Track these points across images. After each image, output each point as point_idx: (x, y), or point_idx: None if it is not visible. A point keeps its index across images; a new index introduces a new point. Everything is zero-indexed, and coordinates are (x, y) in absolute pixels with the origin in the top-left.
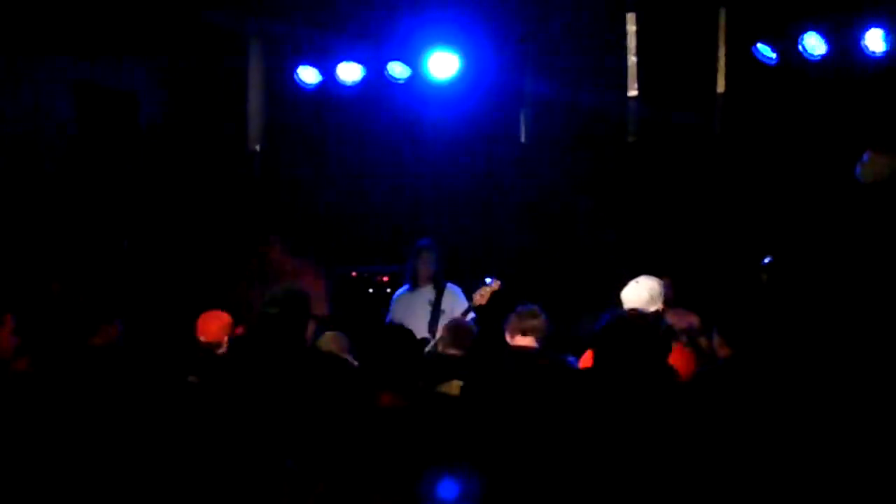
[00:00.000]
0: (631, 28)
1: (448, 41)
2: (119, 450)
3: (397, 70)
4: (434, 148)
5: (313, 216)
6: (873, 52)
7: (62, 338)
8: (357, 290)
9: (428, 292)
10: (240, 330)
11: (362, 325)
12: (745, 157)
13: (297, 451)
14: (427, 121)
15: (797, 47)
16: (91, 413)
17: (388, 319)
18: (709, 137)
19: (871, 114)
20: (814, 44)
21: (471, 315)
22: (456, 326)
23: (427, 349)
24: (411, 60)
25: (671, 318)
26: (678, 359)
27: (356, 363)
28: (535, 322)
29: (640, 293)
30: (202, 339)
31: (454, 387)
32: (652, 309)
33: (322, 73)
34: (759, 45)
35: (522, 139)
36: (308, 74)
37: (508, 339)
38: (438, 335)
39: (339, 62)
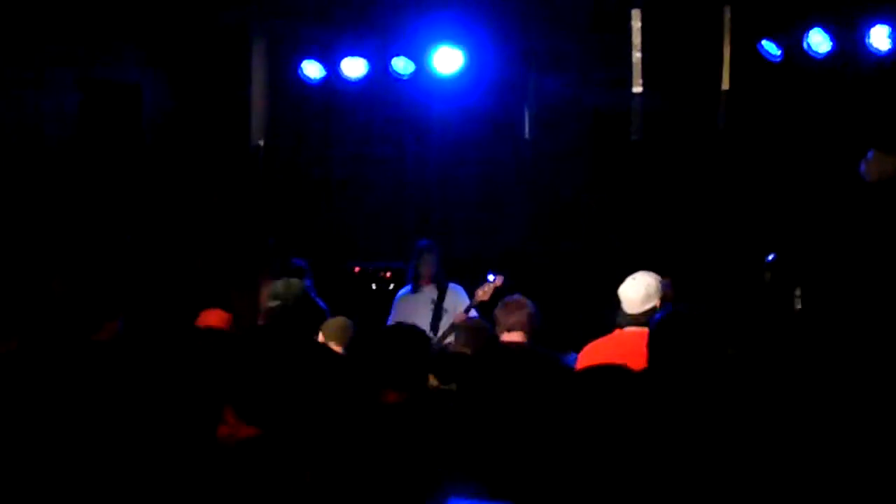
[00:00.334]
0: (636, 24)
1: (452, 37)
2: (120, 444)
3: (401, 65)
4: (438, 143)
5: (316, 211)
6: (878, 50)
7: (64, 334)
8: (360, 285)
9: (430, 292)
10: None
11: (365, 321)
12: (749, 155)
13: (297, 446)
14: (431, 116)
15: (802, 44)
16: (93, 408)
17: (390, 321)
18: (713, 134)
19: (875, 111)
20: (819, 41)
21: (473, 313)
22: (471, 327)
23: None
24: (415, 56)
25: None
26: None
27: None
28: (518, 316)
29: (638, 289)
30: None
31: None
32: (649, 305)
33: (326, 68)
34: (764, 42)
35: (526, 135)
36: (312, 69)
37: (498, 335)
38: (440, 333)
39: (343, 57)
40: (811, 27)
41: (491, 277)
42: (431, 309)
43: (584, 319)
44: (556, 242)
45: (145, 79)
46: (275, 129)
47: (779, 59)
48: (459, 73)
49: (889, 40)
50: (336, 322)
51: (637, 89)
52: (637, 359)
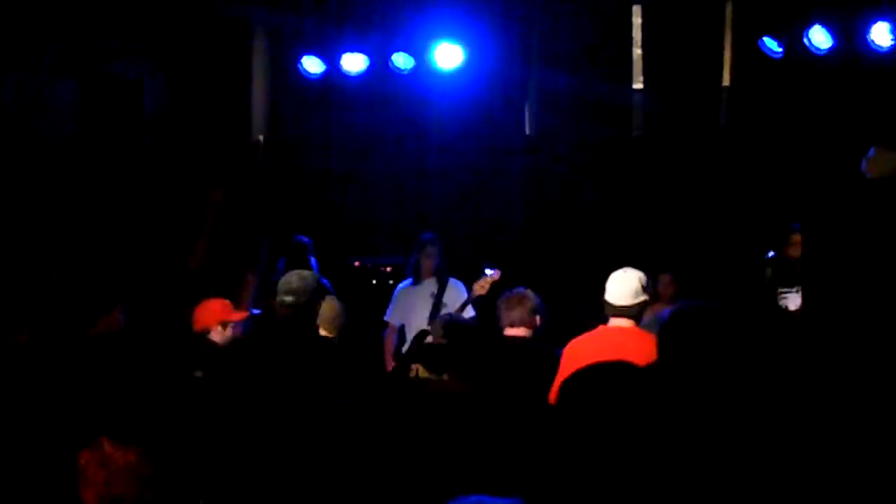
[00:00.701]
0: (636, 20)
1: (453, 32)
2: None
3: (401, 61)
4: (438, 139)
5: (317, 206)
6: (879, 46)
7: (62, 328)
8: (360, 280)
9: (430, 285)
10: (237, 316)
11: (364, 316)
12: (750, 151)
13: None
14: (431, 112)
15: (803, 41)
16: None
17: (389, 312)
18: (714, 131)
19: (876, 108)
20: (820, 38)
21: (470, 312)
22: (448, 323)
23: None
24: (416, 51)
25: None
26: None
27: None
28: (520, 311)
29: (629, 282)
30: (195, 326)
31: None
32: (639, 299)
33: (326, 63)
34: (765, 39)
35: (527, 131)
36: (312, 64)
37: (501, 329)
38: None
39: (343, 52)
40: (812, 24)
41: (489, 271)
42: (431, 302)
43: (584, 315)
44: (556, 238)
45: (146, 73)
46: (275, 124)
47: (780, 56)
48: (459, 68)
49: (890, 37)
50: (328, 308)
51: (638, 85)
52: (622, 355)
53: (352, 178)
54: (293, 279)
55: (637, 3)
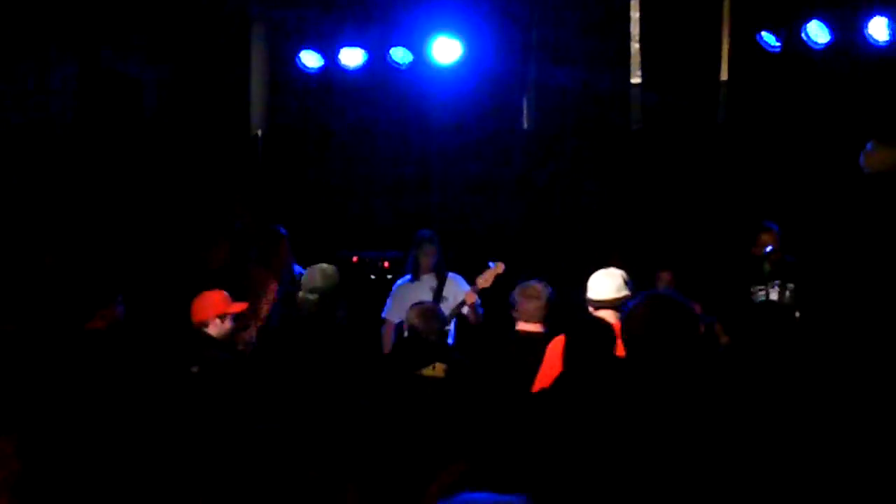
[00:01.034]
0: (634, 14)
1: (451, 26)
2: (120, 434)
3: (400, 55)
4: (436, 133)
5: (315, 201)
6: (877, 41)
7: (58, 323)
8: (358, 274)
9: (430, 280)
10: (236, 308)
11: (362, 310)
12: (748, 146)
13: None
14: (429, 106)
15: (801, 35)
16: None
17: (386, 309)
18: (712, 125)
19: (874, 103)
20: (817, 32)
21: (465, 309)
22: (425, 310)
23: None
24: (414, 46)
25: None
26: None
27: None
28: (535, 305)
29: (613, 278)
30: (193, 319)
31: (439, 369)
32: (623, 294)
33: (324, 57)
34: (763, 33)
35: (525, 125)
36: (310, 59)
37: (515, 322)
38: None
39: (341, 47)
40: (810, 18)
41: (492, 265)
42: (431, 296)
43: (582, 308)
44: (555, 232)
45: (145, 69)
46: (273, 118)
47: (778, 50)
48: (458, 63)
49: (888, 31)
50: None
51: (636, 80)
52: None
53: (350, 173)
54: (318, 276)
55: None
